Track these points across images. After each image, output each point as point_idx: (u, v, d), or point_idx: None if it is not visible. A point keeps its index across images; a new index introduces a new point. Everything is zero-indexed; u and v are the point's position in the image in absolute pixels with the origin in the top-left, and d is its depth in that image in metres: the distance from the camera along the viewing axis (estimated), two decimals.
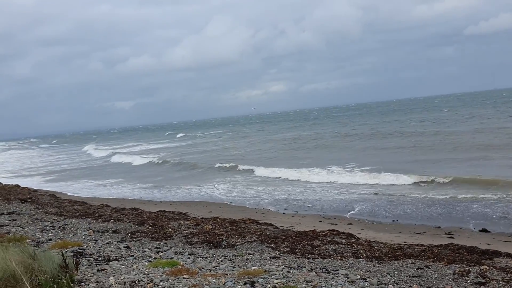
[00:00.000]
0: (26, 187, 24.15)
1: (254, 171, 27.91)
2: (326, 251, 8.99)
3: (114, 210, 15.78)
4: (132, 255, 9.10)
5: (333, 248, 9.19)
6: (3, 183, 27.13)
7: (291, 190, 21.47)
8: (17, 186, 24.75)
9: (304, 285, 6.50)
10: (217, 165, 32.28)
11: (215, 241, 10.50)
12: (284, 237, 10.47)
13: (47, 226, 12.79)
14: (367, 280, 7.05)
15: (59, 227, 12.77)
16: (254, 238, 10.50)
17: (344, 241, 9.79)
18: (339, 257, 8.52)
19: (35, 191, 22.51)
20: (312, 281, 6.71)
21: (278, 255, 8.95)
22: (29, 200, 18.17)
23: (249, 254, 9.25)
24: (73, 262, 7.43)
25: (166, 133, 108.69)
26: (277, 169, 26.91)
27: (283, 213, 15.88)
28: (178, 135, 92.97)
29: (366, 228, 12.48)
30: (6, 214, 14.75)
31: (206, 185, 25.03)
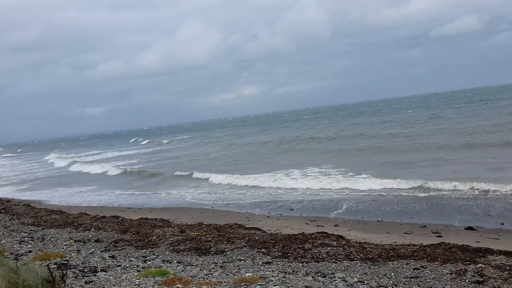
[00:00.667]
0: (1, 198, 23.32)
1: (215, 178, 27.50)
2: (319, 254, 8.85)
3: (94, 218, 15.31)
4: (120, 265, 8.77)
5: (325, 250, 9.06)
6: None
7: (271, 192, 21.32)
8: None
9: None
10: (178, 173, 31.75)
11: (203, 248, 10.24)
12: (273, 241, 10.29)
13: (25, 237, 12.28)
14: (366, 283, 6.94)
15: (38, 238, 12.29)
16: (243, 243, 10.28)
17: (335, 243, 9.67)
18: (333, 260, 8.39)
19: (8, 201, 21.76)
20: (311, 286, 6.55)
21: (271, 260, 8.76)
22: (2, 211, 17.51)
23: (240, 260, 9.03)
24: (59, 275, 7.09)
25: (131, 140, 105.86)
26: (252, 176, 26.62)
27: (268, 217, 15.71)
28: (143, 142, 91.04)
29: (353, 229, 12.42)
30: None
31: (182, 190, 24.68)
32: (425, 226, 12.91)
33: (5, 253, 10.36)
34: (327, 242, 9.78)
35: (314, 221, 14.27)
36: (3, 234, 12.64)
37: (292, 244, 9.88)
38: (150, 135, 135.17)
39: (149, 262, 9.28)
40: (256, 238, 10.72)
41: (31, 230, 13.59)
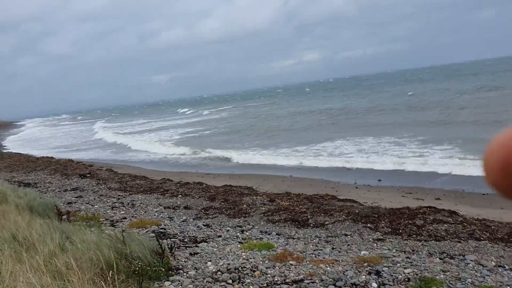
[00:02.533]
0: (81, 162, 24.00)
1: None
2: (437, 232, 8.00)
3: (178, 184, 15.18)
4: (220, 236, 8.37)
5: (443, 228, 8.19)
6: (56, 158, 27.17)
7: (348, 159, 20.37)
8: (71, 160, 24.67)
9: (442, 275, 5.56)
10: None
11: (299, 219, 9.67)
12: (376, 216, 9.53)
13: (115, 203, 12.27)
14: (507, 268, 6.05)
15: (128, 203, 12.24)
16: (343, 216, 9.60)
17: (451, 219, 8.75)
18: (456, 239, 7.52)
19: (91, 165, 22.27)
20: (448, 271, 5.76)
21: (381, 237, 8.03)
22: (88, 175, 17.84)
23: (346, 235, 8.38)
24: (168, 247, 6.75)
25: (179, 110, 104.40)
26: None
27: (356, 187, 14.88)
28: (184, 111, 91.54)
29: (460, 203, 11.35)
30: (70, 190, 14.37)
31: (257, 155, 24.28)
32: None
33: (100, 219, 10.33)
34: (440, 218, 8.87)
35: (410, 193, 13.28)
36: (94, 199, 12.70)
37: (399, 219, 9.08)
38: (210, 103, 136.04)
39: (247, 233, 8.83)
40: (356, 211, 10.00)
41: (119, 195, 13.62)
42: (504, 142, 0.72)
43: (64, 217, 8.90)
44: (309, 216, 9.80)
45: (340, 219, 9.42)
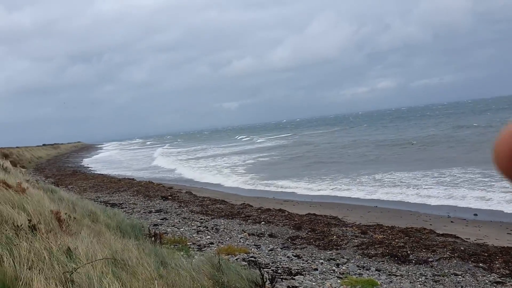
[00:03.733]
0: (161, 184, 24.41)
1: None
2: None
3: (259, 210, 14.84)
4: (316, 269, 7.85)
5: None
6: (136, 179, 27.90)
7: (437, 194, 19.05)
8: (151, 182, 25.18)
9: None
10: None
11: (398, 254, 8.92)
12: (486, 254, 8.59)
13: (199, 226, 12.10)
14: None
15: (212, 228, 12.02)
16: (448, 253, 8.74)
17: None
18: None
19: (170, 187, 22.58)
20: None
21: (500, 279, 7.13)
22: (169, 197, 17.99)
23: (456, 274, 7.56)
24: (268, 278, 6.33)
25: (237, 137, 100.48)
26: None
27: (451, 222, 13.76)
28: (244, 139, 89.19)
29: None
30: (155, 212, 14.46)
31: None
32: None
33: (187, 243, 10.15)
34: None
35: None
36: (179, 222, 12.63)
37: None
38: (273, 129, 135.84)
39: (343, 267, 8.24)
40: (461, 248, 9.09)
41: (201, 219, 13.48)
42: None
43: (155, 239, 8.77)
44: (409, 252, 9.02)
45: (445, 256, 8.57)
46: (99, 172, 36.92)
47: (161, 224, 12.14)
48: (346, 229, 11.40)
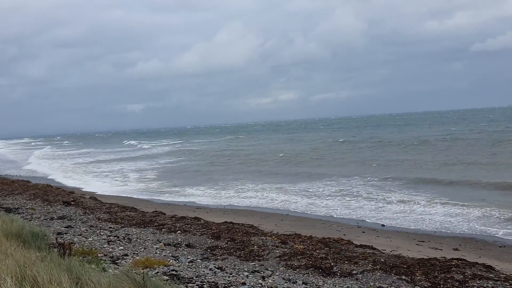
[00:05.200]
0: (60, 188, 22.64)
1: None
2: None
3: (173, 218, 14.14)
4: (244, 283, 7.44)
5: (489, 285, 7.47)
6: (32, 182, 25.67)
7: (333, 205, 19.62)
8: (49, 186, 23.26)
9: None
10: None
11: (322, 266, 8.81)
12: (405, 266, 8.77)
13: (110, 236, 11.16)
14: None
15: (123, 237, 11.14)
16: (370, 265, 8.80)
17: (492, 275, 8.07)
18: None
19: (72, 192, 20.96)
20: None
21: None
22: (72, 203, 16.59)
23: (381, 287, 7.57)
24: None
25: (125, 142, 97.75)
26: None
27: (363, 232, 14.14)
28: (126, 142, 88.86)
29: (484, 256, 10.71)
30: (57, 219, 13.16)
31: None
32: None
33: (98, 254, 9.23)
34: (479, 273, 8.18)
35: (423, 241, 12.61)
36: (86, 230, 11.56)
37: (432, 271, 8.34)
38: (172, 135, 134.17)
39: (270, 280, 7.93)
40: (382, 260, 9.22)
41: (110, 227, 12.49)
42: None
43: (64, 250, 7.82)
44: (332, 263, 8.96)
45: (367, 268, 8.61)
46: None
47: (66, 233, 11.01)
48: (266, 239, 11.15)
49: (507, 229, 13.82)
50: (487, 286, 7.40)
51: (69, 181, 31.47)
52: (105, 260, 8.80)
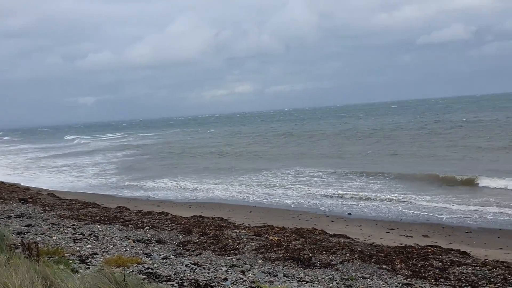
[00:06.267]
0: (14, 184, 21.52)
1: None
2: (466, 276, 7.32)
3: (139, 214, 13.65)
4: (226, 279, 7.17)
5: (469, 271, 7.54)
6: None
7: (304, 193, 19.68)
8: (1, 182, 22.07)
9: None
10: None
11: (301, 258, 8.66)
12: (383, 255, 8.76)
13: (75, 234, 10.59)
14: None
15: (89, 235, 10.61)
16: (348, 255, 8.74)
17: (469, 261, 8.16)
18: (492, 285, 6.86)
19: (27, 189, 19.95)
20: None
21: (406, 281, 7.22)
22: (30, 200, 15.74)
23: (364, 277, 7.49)
24: None
25: (66, 137, 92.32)
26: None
27: (332, 221, 14.13)
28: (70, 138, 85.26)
29: (454, 242, 10.89)
30: (15, 217, 12.39)
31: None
32: None
33: (65, 254, 8.71)
34: (456, 259, 8.27)
35: (392, 229, 12.73)
36: (49, 229, 10.91)
37: (410, 259, 8.37)
38: (130, 128, 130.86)
39: (250, 274, 7.70)
40: (359, 249, 9.18)
41: (74, 225, 11.89)
42: None
43: (30, 252, 7.28)
44: (310, 254, 8.83)
45: (346, 258, 8.54)
46: None
47: (27, 232, 10.34)
48: (239, 231, 10.91)
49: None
50: (468, 272, 7.46)
51: (10, 177, 29.49)
52: (73, 260, 8.30)
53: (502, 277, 7.18)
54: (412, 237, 11.56)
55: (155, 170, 30.59)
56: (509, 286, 6.82)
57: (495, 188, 18.04)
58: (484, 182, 18.77)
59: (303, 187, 20.90)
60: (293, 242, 9.82)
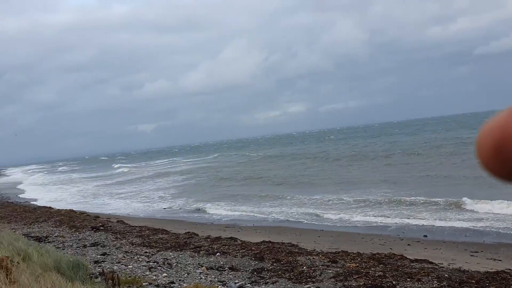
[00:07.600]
0: (85, 212, 22.20)
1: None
2: None
3: (208, 239, 13.60)
4: None
5: None
6: (54, 208, 25.29)
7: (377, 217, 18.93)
8: (73, 211, 22.84)
9: None
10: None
11: (384, 286, 8.20)
12: (474, 281, 8.13)
13: (149, 262, 10.63)
14: None
15: (163, 263, 10.61)
16: (436, 282, 8.17)
17: None
18: None
19: (97, 216, 20.51)
20: None
21: None
22: (101, 228, 16.12)
23: None
24: None
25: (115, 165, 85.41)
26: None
27: (408, 244, 13.43)
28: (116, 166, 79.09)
29: None
30: (90, 246, 12.67)
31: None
32: None
33: (143, 283, 8.70)
34: None
35: (476, 251, 11.92)
36: (124, 257, 11.03)
37: (506, 287, 7.69)
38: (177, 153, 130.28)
39: None
40: (446, 275, 8.58)
41: (146, 252, 11.98)
42: (497, 123, 0.70)
43: (113, 282, 7.30)
44: (394, 282, 8.33)
45: (434, 286, 7.99)
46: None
47: (103, 261, 10.49)
48: (313, 258, 10.55)
49: None
50: None
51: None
52: None
53: None
54: (501, 260, 10.74)
55: (209, 195, 30.63)
56: None
57: None
58: None
59: (368, 210, 20.16)
60: (372, 269, 9.35)
